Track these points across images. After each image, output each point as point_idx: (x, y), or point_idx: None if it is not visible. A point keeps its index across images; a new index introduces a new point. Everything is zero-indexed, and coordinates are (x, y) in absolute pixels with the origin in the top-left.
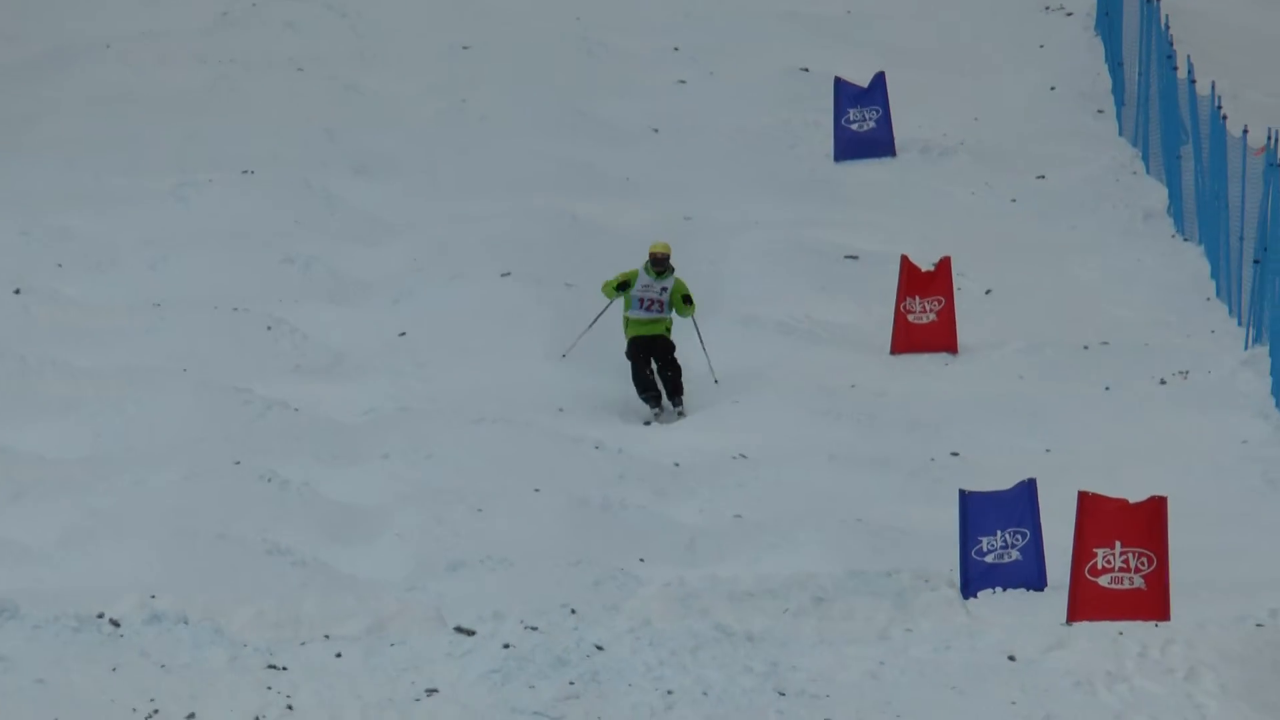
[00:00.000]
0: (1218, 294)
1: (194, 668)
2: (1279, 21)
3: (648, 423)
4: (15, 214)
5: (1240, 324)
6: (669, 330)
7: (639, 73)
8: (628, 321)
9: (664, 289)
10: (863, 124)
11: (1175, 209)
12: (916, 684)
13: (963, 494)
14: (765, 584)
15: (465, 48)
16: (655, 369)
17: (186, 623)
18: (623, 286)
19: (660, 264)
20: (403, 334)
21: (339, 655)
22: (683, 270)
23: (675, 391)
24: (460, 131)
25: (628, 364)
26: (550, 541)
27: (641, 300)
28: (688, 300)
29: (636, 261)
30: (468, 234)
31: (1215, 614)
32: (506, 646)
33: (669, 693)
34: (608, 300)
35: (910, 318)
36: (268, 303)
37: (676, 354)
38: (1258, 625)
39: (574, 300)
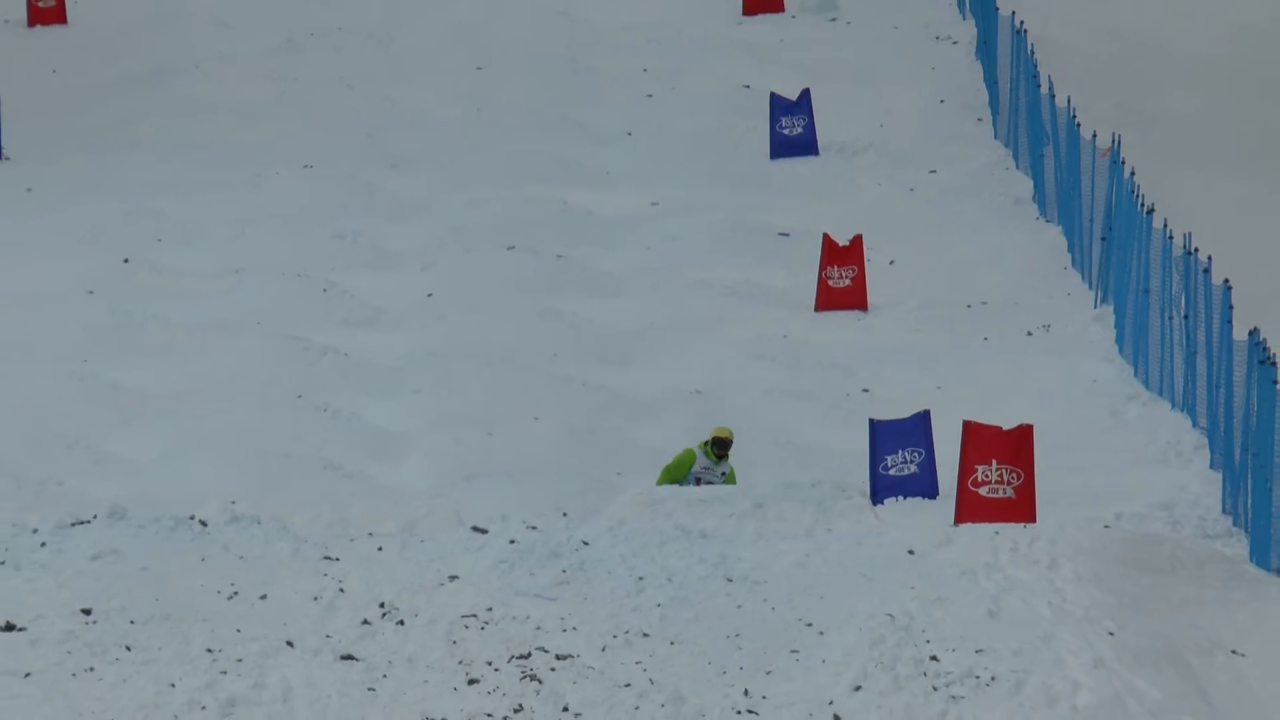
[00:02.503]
0: (1073, 264)
1: (265, 558)
2: (1121, 50)
3: None
4: (122, 199)
5: (1090, 288)
6: None
7: (616, 88)
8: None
9: (722, 474)
10: (792, 129)
11: (1039, 197)
12: (835, 572)
13: (872, 422)
14: (715, 492)
15: (479, 68)
16: None
17: (259, 523)
18: (675, 473)
19: (723, 448)
20: (430, 295)
21: (380, 549)
22: (652, 243)
23: None
24: (474, 134)
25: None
26: (546, 459)
27: (698, 479)
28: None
29: (614, 234)
30: (480, 215)
31: (1072, 517)
32: (512, 542)
33: (640, 578)
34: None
35: (830, 282)
36: (323, 269)
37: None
38: (1105, 526)
39: (564, 268)
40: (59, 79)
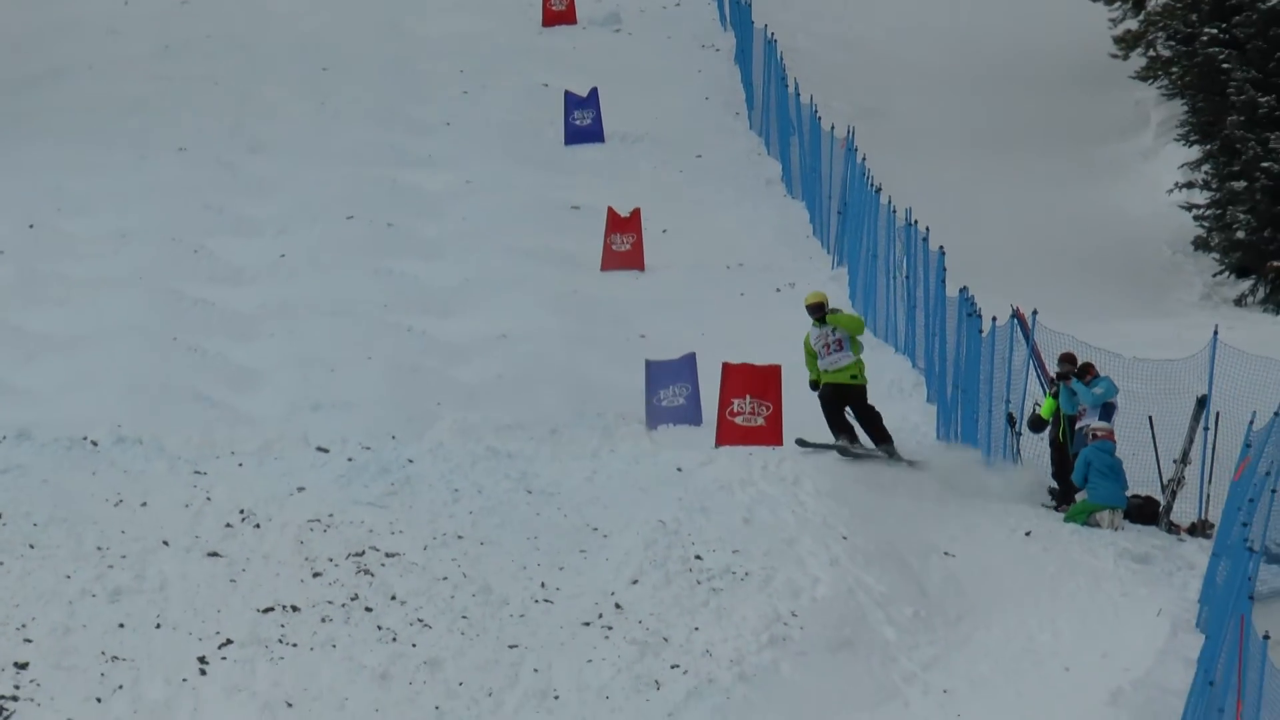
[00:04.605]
0: (814, 234)
1: (146, 473)
2: (854, 58)
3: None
4: (28, 177)
5: (829, 253)
6: (857, 377)
7: (438, 86)
8: (821, 374)
9: (835, 328)
10: (583, 120)
11: (786, 178)
12: (618, 486)
13: (648, 362)
14: (519, 420)
15: (324, 69)
16: (853, 416)
17: (141, 443)
18: (809, 356)
19: (816, 312)
20: (282, 255)
21: (240, 465)
22: (467, 214)
23: (880, 439)
24: (320, 124)
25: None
26: (378, 391)
27: (820, 351)
28: (852, 325)
29: (435, 207)
30: (325, 191)
31: (812, 441)
32: (350, 460)
33: (455, 490)
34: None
35: (614, 247)
36: (194, 234)
37: (870, 399)
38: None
39: (394, 235)
40: None
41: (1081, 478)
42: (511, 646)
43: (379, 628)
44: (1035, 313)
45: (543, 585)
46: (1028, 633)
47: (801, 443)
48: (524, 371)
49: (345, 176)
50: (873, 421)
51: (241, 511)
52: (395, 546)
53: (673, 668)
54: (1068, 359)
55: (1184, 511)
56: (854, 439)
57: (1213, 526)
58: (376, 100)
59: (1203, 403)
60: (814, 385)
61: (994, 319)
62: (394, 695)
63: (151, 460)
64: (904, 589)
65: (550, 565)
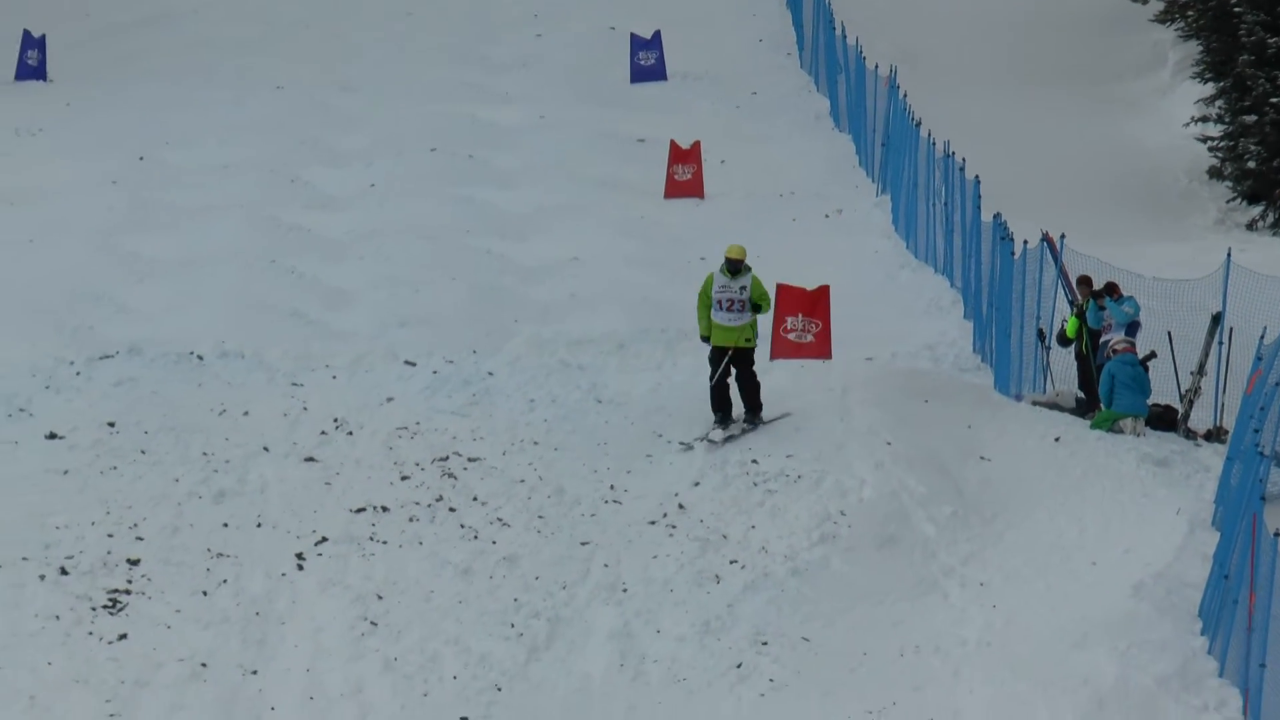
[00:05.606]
0: (860, 164)
1: (247, 385)
2: (897, 5)
3: (710, 439)
4: (137, 114)
5: (873, 182)
6: (750, 340)
7: (513, 29)
8: (713, 325)
9: (742, 288)
10: (647, 60)
11: (834, 113)
12: (679, 395)
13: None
14: (588, 335)
15: (409, 13)
16: (735, 379)
17: (243, 357)
18: (704, 298)
19: (735, 266)
20: (372, 185)
21: (334, 377)
22: (540, 147)
23: (751, 408)
24: (404, 64)
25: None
26: (460, 309)
27: (720, 302)
28: (763, 299)
29: (511, 140)
30: (408, 126)
31: (857, 355)
32: (434, 372)
33: (531, 400)
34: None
35: (675, 176)
36: (290, 166)
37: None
38: (868, 359)
39: (473, 166)
40: (91, 20)
41: (1108, 390)
42: (583, 543)
43: (461, 526)
44: (1063, 236)
45: (612, 487)
46: (1057, 530)
47: (684, 444)
48: (593, 291)
49: (428, 113)
50: (751, 392)
51: (335, 420)
52: (476, 452)
53: (731, 563)
54: (1085, 281)
55: (1200, 419)
56: (729, 418)
57: (1227, 433)
58: (457, 42)
59: (1217, 319)
60: (705, 339)
61: (1025, 242)
62: (476, 588)
63: (252, 373)
64: (943, 490)
65: (619, 469)
